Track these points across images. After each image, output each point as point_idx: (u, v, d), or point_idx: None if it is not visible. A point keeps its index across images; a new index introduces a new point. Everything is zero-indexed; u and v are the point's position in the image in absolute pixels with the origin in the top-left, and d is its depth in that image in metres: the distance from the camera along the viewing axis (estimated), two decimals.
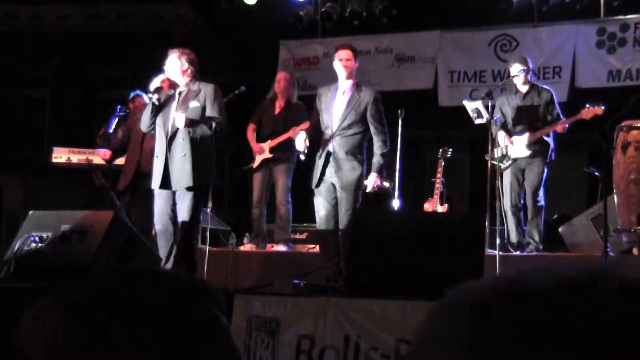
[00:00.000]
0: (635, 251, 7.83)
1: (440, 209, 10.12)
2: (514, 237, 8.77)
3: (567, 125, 8.58)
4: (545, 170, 8.75)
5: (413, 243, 5.98)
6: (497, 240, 7.60)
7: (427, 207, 10.28)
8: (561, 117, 8.72)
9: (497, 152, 8.71)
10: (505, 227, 8.77)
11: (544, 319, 0.77)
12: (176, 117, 7.20)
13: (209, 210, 7.83)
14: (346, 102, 7.58)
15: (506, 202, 8.77)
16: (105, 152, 9.12)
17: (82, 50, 16.92)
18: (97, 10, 17.12)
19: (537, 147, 8.70)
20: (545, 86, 9.15)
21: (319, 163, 7.55)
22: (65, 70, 17.25)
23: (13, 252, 6.24)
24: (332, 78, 7.83)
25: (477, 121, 8.99)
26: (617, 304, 0.77)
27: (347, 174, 7.44)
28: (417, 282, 5.72)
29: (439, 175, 10.27)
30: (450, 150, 10.39)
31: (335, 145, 7.50)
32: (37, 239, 6.26)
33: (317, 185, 7.55)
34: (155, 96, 7.25)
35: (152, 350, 0.97)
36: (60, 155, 9.73)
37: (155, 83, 7.30)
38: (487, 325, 0.79)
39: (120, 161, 9.17)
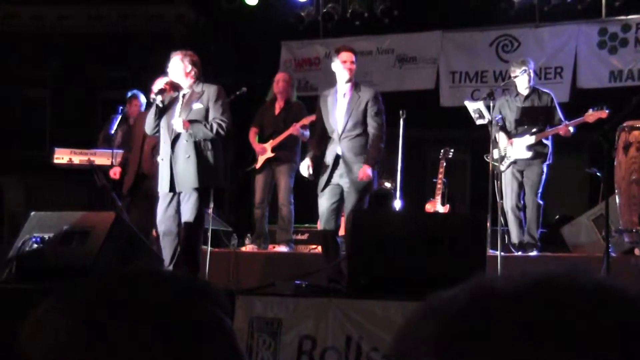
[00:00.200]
0: (637, 251, 7.84)
1: (442, 209, 10.12)
2: (515, 238, 8.77)
3: (571, 129, 8.56)
4: (545, 171, 8.74)
5: (414, 244, 5.98)
6: (499, 241, 7.59)
7: (429, 207, 10.28)
8: (562, 119, 8.71)
9: (496, 154, 8.70)
10: (507, 227, 8.77)
11: (513, 332, 0.77)
12: (174, 122, 7.19)
13: (210, 211, 7.83)
14: (347, 103, 7.60)
15: (506, 202, 8.77)
16: (115, 171, 9.11)
17: (82, 51, 16.91)
18: (97, 10, 17.12)
19: (537, 149, 8.69)
20: (545, 90, 9.14)
21: (327, 166, 7.56)
22: (66, 71, 17.25)
23: (15, 252, 6.25)
24: (334, 79, 7.82)
25: (479, 122, 8.99)
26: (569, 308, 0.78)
27: (357, 175, 7.43)
28: (419, 283, 5.71)
29: (440, 175, 10.26)
30: (452, 150, 10.39)
31: (343, 148, 7.51)
32: (38, 239, 6.27)
33: (323, 188, 7.56)
34: (159, 98, 7.24)
35: (153, 351, 0.97)
36: (62, 156, 9.73)
37: (158, 85, 7.29)
38: (452, 339, 0.79)
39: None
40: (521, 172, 8.84)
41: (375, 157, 7.57)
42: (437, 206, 10.14)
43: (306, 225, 10.55)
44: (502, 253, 7.50)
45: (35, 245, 6.26)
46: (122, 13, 17.21)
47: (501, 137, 8.79)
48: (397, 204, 9.59)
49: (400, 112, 9.50)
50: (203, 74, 7.63)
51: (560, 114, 8.77)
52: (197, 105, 7.28)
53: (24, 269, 6.10)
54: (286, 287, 6.21)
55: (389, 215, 8.42)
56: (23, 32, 17.21)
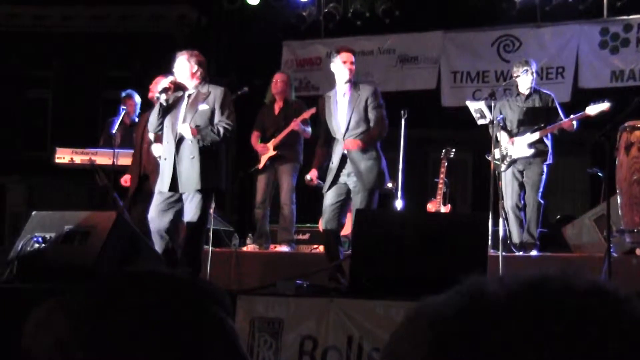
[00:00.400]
0: (638, 251, 7.82)
1: (443, 209, 10.11)
2: (516, 238, 8.76)
3: (574, 122, 8.56)
4: (545, 171, 8.74)
5: (416, 243, 5.98)
6: (500, 241, 7.59)
7: (430, 207, 10.28)
8: (564, 119, 8.71)
9: (497, 153, 8.69)
10: (508, 227, 8.76)
11: (507, 336, 0.77)
12: (181, 128, 7.18)
13: (211, 211, 7.82)
14: (347, 103, 7.61)
15: (507, 202, 8.76)
16: (127, 179, 9.11)
17: (84, 51, 16.94)
18: (99, 11, 17.14)
19: (538, 147, 8.69)
20: (546, 91, 9.13)
21: (333, 167, 7.57)
22: (68, 71, 17.28)
23: (16, 252, 6.25)
24: (334, 79, 7.83)
25: (480, 121, 8.98)
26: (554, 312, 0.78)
27: (365, 173, 7.45)
28: (420, 283, 5.71)
29: (442, 175, 10.26)
30: (454, 150, 10.39)
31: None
32: (40, 239, 6.26)
33: (329, 189, 7.57)
34: (163, 97, 7.21)
35: (155, 351, 0.97)
36: (64, 156, 9.72)
37: (163, 84, 7.26)
38: (444, 344, 0.79)
39: (122, 161, 9.16)
40: (521, 172, 8.84)
41: (373, 138, 7.56)
42: (438, 206, 10.14)
43: (307, 225, 10.55)
44: (503, 253, 7.49)
45: (36, 245, 6.25)
46: (124, 13, 17.24)
47: (503, 136, 8.79)
48: (399, 203, 9.59)
49: (402, 112, 9.49)
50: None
51: (561, 114, 8.76)
52: (203, 107, 7.26)
53: (25, 268, 6.10)
54: (287, 287, 6.21)
55: (390, 215, 8.42)
56: (25, 32, 17.24)
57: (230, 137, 7.42)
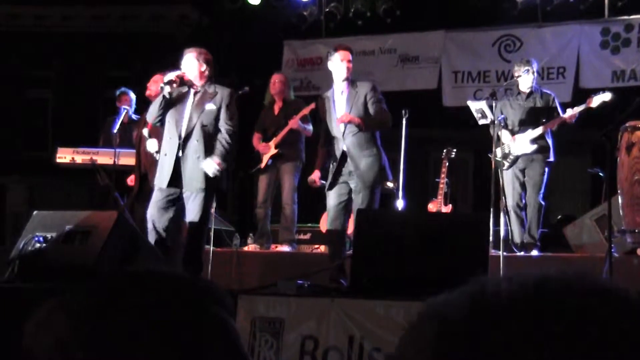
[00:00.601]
0: (639, 252, 7.82)
1: (444, 209, 10.11)
2: (517, 238, 8.76)
3: (576, 114, 8.55)
4: (546, 170, 8.74)
5: (417, 243, 5.98)
6: (501, 241, 7.58)
7: (431, 207, 10.27)
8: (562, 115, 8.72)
9: (499, 152, 8.69)
10: (509, 227, 8.76)
11: (512, 336, 0.77)
12: (205, 165, 7.16)
13: (212, 210, 7.82)
14: (346, 100, 7.62)
15: (508, 203, 8.76)
16: (132, 179, 9.12)
17: (85, 51, 16.94)
18: (100, 10, 17.14)
19: (540, 143, 8.69)
20: (547, 90, 9.14)
21: (334, 165, 7.57)
22: (68, 71, 17.28)
23: (17, 252, 6.24)
24: (333, 78, 7.84)
25: (481, 121, 8.97)
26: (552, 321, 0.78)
27: (365, 169, 7.45)
28: (421, 283, 5.71)
29: (443, 175, 10.26)
30: (455, 150, 10.38)
31: (348, 145, 7.52)
32: (41, 239, 6.26)
33: (330, 187, 7.57)
34: (167, 89, 7.15)
35: (156, 351, 0.97)
36: (65, 156, 9.72)
37: (169, 76, 7.21)
38: (447, 345, 0.79)
39: (124, 161, 9.17)
40: (523, 172, 8.84)
41: (372, 121, 7.56)
42: (439, 206, 10.14)
43: (309, 225, 10.55)
44: (505, 253, 7.49)
45: (37, 245, 6.25)
46: (125, 13, 17.24)
47: (504, 135, 8.79)
48: (400, 203, 9.58)
49: (403, 111, 9.49)
50: None
51: (561, 113, 8.76)
52: (210, 106, 7.24)
53: (27, 268, 6.10)
54: (288, 287, 6.21)
55: (391, 215, 8.42)
56: (26, 32, 17.25)
57: (234, 139, 7.43)
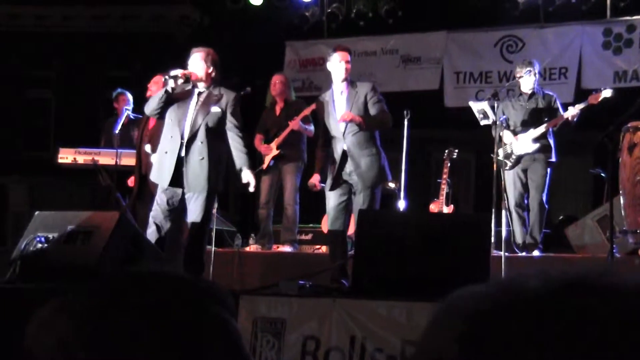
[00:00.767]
0: None
1: (446, 209, 10.11)
2: (519, 238, 8.75)
3: (578, 112, 8.54)
4: (549, 171, 8.73)
5: (419, 244, 5.97)
6: (503, 241, 7.58)
7: (433, 208, 10.28)
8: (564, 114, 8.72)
9: (501, 153, 8.69)
10: (511, 228, 8.75)
11: (542, 336, 0.76)
12: (246, 177, 7.27)
13: (214, 211, 7.82)
14: (346, 100, 7.62)
15: (510, 203, 8.75)
16: (132, 180, 9.12)
17: (85, 51, 16.96)
18: (100, 11, 17.16)
19: (542, 142, 8.68)
20: (548, 91, 9.14)
21: (335, 165, 7.56)
22: (68, 71, 17.29)
23: (19, 252, 6.24)
24: (332, 78, 7.84)
25: (483, 122, 8.97)
26: (611, 307, 0.76)
27: (366, 169, 7.44)
28: (423, 283, 5.71)
29: (444, 176, 10.26)
30: (456, 151, 10.38)
31: (349, 144, 7.51)
32: (42, 239, 6.26)
33: (333, 187, 7.56)
34: (171, 83, 7.10)
35: (158, 352, 0.97)
36: (66, 156, 9.72)
37: (176, 71, 7.15)
38: (478, 337, 0.78)
39: (125, 161, 9.17)
40: (525, 172, 8.83)
41: (373, 120, 7.54)
42: (441, 206, 10.14)
43: (310, 225, 10.55)
44: (506, 253, 7.48)
45: (39, 245, 6.25)
46: (125, 13, 17.24)
47: (506, 134, 8.78)
48: (401, 204, 9.58)
49: (405, 112, 9.49)
50: None
51: (562, 113, 8.75)
52: (216, 109, 7.21)
53: (28, 268, 6.10)
54: (290, 287, 6.21)
55: (393, 215, 8.41)
56: (26, 32, 17.26)
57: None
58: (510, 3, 12.11)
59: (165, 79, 7.15)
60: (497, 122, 8.42)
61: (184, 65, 7.32)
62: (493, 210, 7.88)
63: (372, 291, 5.85)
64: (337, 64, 7.63)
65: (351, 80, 7.75)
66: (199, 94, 7.27)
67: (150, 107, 7.26)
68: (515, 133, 8.83)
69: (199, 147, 7.12)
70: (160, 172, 7.19)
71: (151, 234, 7.10)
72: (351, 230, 8.04)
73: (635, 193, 7.60)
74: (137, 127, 9.26)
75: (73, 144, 9.97)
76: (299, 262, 8.73)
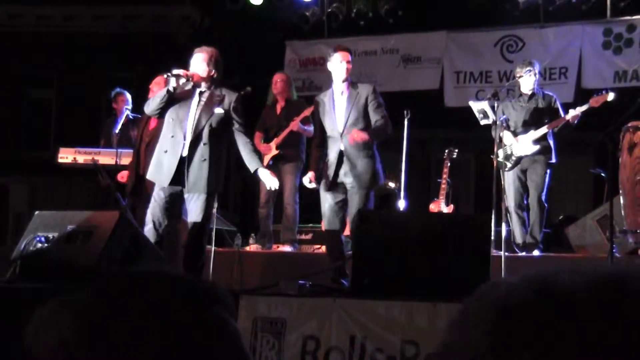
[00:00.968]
0: None
1: (446, 209, 10.12)
2: (519, 238, 8.76)
3: (578, 115, 8.54)
4: (548, 172, 8.72)
5: (419, 244, 5.97)
6: (503, 241, 7.57)
7: (433, 207, 10.28)
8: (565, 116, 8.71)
9: (502, 153, 8.69)
10: (511, 228, 8.76)
11: (571, 325, 0.75)
12: (266, 177, 7.33)
13: (214, 210, 7.82)
14: (346, 100, 7.61)
15: (510, 203, 8.75)
16: (123, 175, 9.12)
17: (87, 51, 16.96)
18: (101, 11, 17.16)
19: (543, 144, 8.68)
20: (548, 92, 9.14)
21: (330, 164, 7.55)
22: (70, 71, 17.29)
23: (19, 252, 6.24)
24: (332, 78, 7.84)
25: (483, 122, 8.98)
26: None
27: (362, 170, 7.44)
28: (423, 283, 5.72)
29: (444, 176, 10.26)
30: (457, 150, 10.39)
31: (345, 145, 7.51)
32: (42, 239, 6.26)
33: (329, 188, 7.55)
34: (173, 81, 7.09)
35: (158, 352, 0.97)
36: (66, 156, 9.73)
37: (178, 71, 7.13)
38: (511, 330, 0.78)
39: (125, 161, 9.17)
40: (524, 173, 8.83)
41: (377, 133, 7.53)
42: (441, 206, 10.14)
43: (310, 225, 10.55)
44: (506, 253, 7.48)
45: (39, 245, 6.25)
46: (127, 14, 17.24)
47: (506, 135, 8.78)
48: (402, 204, 9.58)
49: (405, 112, 9.49)
50: None
51: (563, 115, 8.75)
52: (219, 110, 7.19)
53: (28, 268, 6.10)
54: (290, 287, 6.20)
55: (393, 215, 8.41)
56: (28, 32, 17.25)
57: None
58: (510, 3, 12.11)
59: (168, 77, 7.12)
60: (497, 122, 8.42)
61: (185, 65, 7.31)
62: (493, 210, 7.88)
63: (372, 291, 5.85)
64: (337, 64, 7.62)
65: (352, 81, 7.75)
66: (201, 94, 7.26)
67: (151, 107, 7.24)
68: (515, 134, 8.82)
69: (202, 148, 7.10)
70: (159, 171, 7.16)
71: (149, 231, 7.08)
72: (346, 230, 8.04)
73: (635, 193, 7.60)
74: (136, 127, 9.26)
75: (74, 144, 9.98)
76: (299, 261, 8.73)
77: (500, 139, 8.54)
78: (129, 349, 0.97)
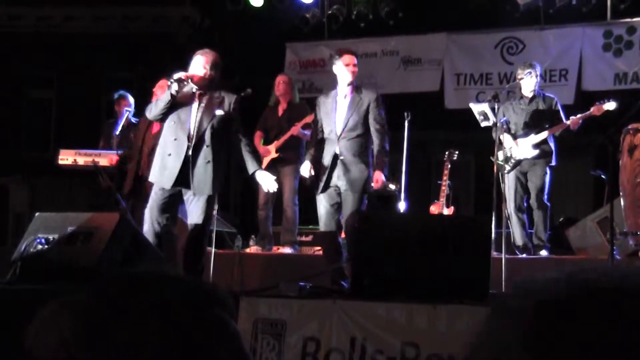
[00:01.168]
0: None
1: (446, 211, 10.11)
2: (519, 240, 8.75)
3: (580, 121, 8.55)
4: (549, 172, 8.72)
5: (419, 246, 5.97)
6: (503, 243, 7.57)
7: (433, 209, 10.27)
8: (566, 121, 8.71)
9: (501, 155, 8.68)
10: (511, 230, 8.75)
11: (615, 323, 0.75)
12: (264, 179, 7.31)
13: (215, 212, 7.82)
14: (348, 104, 7.61)
15: (510, 204, 8.75)
16: (113, 157, 9.11)
17: (87, 52, 16.96)
18: (101, 11, 17.16)
19: (543, 148, 8.68)
20: (549, 94, 9.14)
21: (324, 167, 7.56)
22: (70, 72, 17.29)
23: (19, 253, 6.24)
24: (337, 81, 7.83)
25: (484, 124, 8.98)
26: None
27: (355, 176, 7.45)
28: (423, 285, 5.72)
29: (445, 177, 10.26)
30: (457, 152, 10.38)
31: (341, 148, 7.51)
32: (43, 240, 6.26)
33: (324, 190, 7.55)
34: (175, 86, 7.09)
35: (158, 352, 0.97)
36: (67, 157, 9.72)
37: (179, 74, 7.14)
38: (551, 326, 0.77)
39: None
40: (525, 175, 8.82)
41: (385, 161, 7.59)
42: (441, 208, 10.14)
43: (310, 227, 10.54)
44: (507, 255, 7.48)
45: (39, 246, 6.25)
46: (127, 14, 17.24)
47: (506, 138, 8.78)
48: (402, 205, 9.58)
49: (405, 114, 9.49)
50: None
51: (563, 117, 8.75)
52: (220, 112, 7.20)
53: (29, 269, 6.10)
54: (290, 288, 6.20)
55: (393, 217, 8.41)
56: (28, 33, 17.26)
57: None
58: (510, 5, 12.11)
59: (171, 82, 7.13)
60: (498, 124, 8.41)
61: (185, 67, 7.32)
62: (493, 212, 7.87)
63: (372, 293, 5.85)
64: (343, 67, 7.62)
65: (357, 85, 7.74)
66: (200, 96, 7.26)
67: (154, 112, 7.25)
68: (515, 137, 8.82)
69: (205, 151, 7.11)
70: (163, 173, 7.17)
71: (146, 231, 7.09)
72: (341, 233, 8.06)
73: (636, 195, 7.60)
74: (137, 130, 9.25)
75: (74, 144, 9.96)
76: (299, 263, 8.74)
77: (500, 141, 8.54)
78: (129, 350, 0.97)
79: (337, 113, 7.62)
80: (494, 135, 8.39)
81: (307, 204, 9.43)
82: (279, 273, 8.14)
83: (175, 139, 7.15)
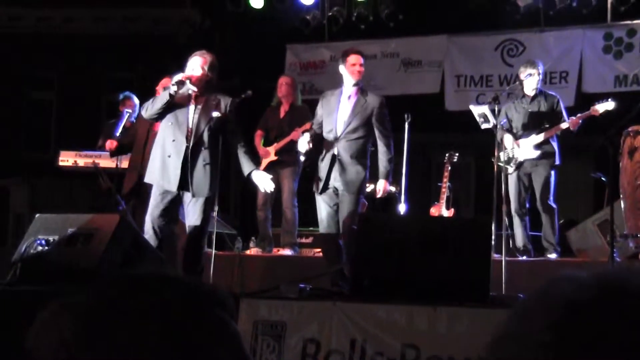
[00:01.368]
0: None
1: (447, 213, 10.10)
2: (520, 242, 8.74)
3: (579, 121, 8.55)
4: (553, 173, 8.71)
5: (419, 247, 5.97)
6: (503, 245, 7.56)
7: (434, 211, 10.27)
8: (568, 121, 8.70)
9: (503, 156, 8.68)
10: (511, 231, 8.75)
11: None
12: (259, 178, 7.32)
13: (215, 214, 7.82)
14: (352, 106, 7.60)
15: (512, 206, 8.74)
16: (112, 142, 9.09)
17: (88, 53, 16.95)
18: (102, 12, 17.15)
19: (545, 148, 8.67)
20: (551, 92, 9.13)
21: (323, 167, 7.56)
22: (70, 73, 17.28)
23: (19, 255, 6.24)
24: (339, 82, 7.82)
25: (484, 126, 8.97)
26: None
27: (352, 177, 7.45)
28: (423, 287, 5.72)
29: (445, 179, 10.25)
30: (457, 154, 10.38)
31: (340, 149, 7.51)
32: (43, 242, 6.26)
33: (322, 191, 7.55)
34: (174, 88, 7.10)
35: (158, 353, 0.97)
36: (67, 159, 9.73)
37: (179, 76, 7.14)
38: (579, 325, 0.77)
39: (126, 164, 9.16)
40: (528, 175, 8.81)
41: (390, 170, 7.61)
42: (441, 210, 10.13)
43: (310, 228, 10.54)
44: (507, 257, 7.48)
45: (39, 248, 6.25)
46: (128, 15, 17.23)
47: (507, 138, 8.77)
48: (402, 207, 9.58)
49: (405, 116, 9.50)
50: None
51: (565, 117, 8.75)
52: (216, 114, 7.21)
53: (29, 271, 6.10)
54: (290, 290, 6.20)
55: (393, 218, 8.41)
56: (28, 34, 17.25)
57: None
58: (511, 7, 12.11)
59: (173, 84, 7.12)
60: (498, 126, 8.41)
61: (184, 68, 7.32)
62: (494, 213, 7.87)
63: (372, 294, 5.85)
64: (349, 68, 7.62)
65: (362, 88, 7.73)
66: (197, 98, 7.27)
67: (151, 111, 7.23)
68: (516, 137, 8.81)
69: (203, 153, 7.12)
70: (164, 175, 7.16)
71: (148, 233, 7.09)
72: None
73: (636, 197, 7.60)
74: (137, 130, 9.23)
75: (74, 145, 9.97)
76: (300, 265, 8.74)
77: (501, 142, 8.54)
78: (129, 350, 0.97)
79: (339, 113, 7.61)
80: (498, 136, 8.40)
81: (306, 207, 9.43)
82: (279, 275, 8.15)
83: (173, 140, 7.16)
